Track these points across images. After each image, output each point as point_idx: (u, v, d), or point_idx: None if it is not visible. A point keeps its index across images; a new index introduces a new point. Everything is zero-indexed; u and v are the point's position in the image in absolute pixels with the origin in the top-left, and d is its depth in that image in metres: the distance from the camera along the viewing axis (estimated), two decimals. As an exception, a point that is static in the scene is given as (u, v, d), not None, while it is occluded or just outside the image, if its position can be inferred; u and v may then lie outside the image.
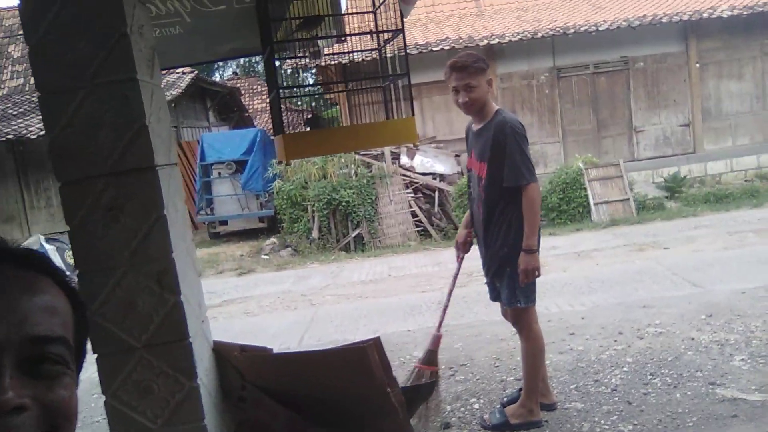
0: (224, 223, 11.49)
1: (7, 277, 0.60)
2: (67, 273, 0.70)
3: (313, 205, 9.15)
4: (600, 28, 10.26)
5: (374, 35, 2.24)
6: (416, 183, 9.38)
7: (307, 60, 2.42)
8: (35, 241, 9.53)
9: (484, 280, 3.15)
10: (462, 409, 3.32)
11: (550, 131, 11.21)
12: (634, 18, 10.40)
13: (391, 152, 9.49)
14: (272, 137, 8.99)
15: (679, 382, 3.29)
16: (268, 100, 2.65)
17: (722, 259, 5.88)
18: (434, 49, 10.16)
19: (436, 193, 9.39)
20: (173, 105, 12.74)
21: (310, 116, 18.22)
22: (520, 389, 3.07)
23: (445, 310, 3.12)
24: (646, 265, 6.02)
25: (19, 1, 1.63)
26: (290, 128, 2.23)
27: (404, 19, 2.23)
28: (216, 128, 17.01)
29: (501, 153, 2.79)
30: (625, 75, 11.16)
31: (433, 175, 9.57)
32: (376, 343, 1.98)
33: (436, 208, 9.37)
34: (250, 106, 21.73)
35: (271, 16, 2.03)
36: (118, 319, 1.73)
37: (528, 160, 2.80)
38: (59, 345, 0.60)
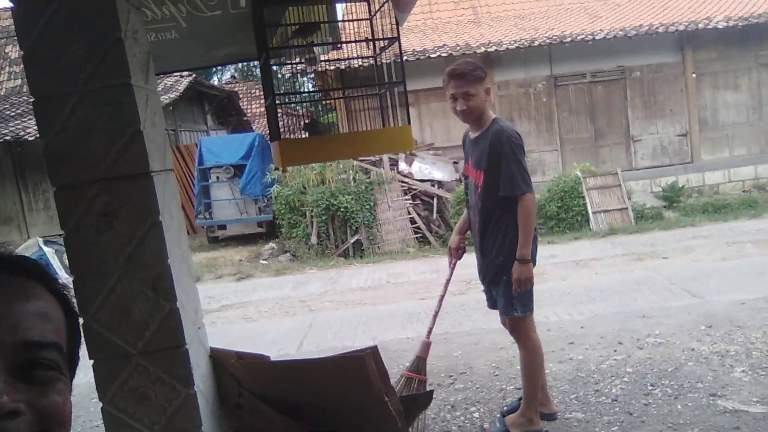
0: (223, 227, 11.45)
1: (0, 284, 0.60)
2: (65, 276, 0.69)
3: (312, 211, 9.12)
4: (597, 37, 10.29)
5: (370, 42, 2.23)
6: (414, 189, 9.37)
7: (304, 65, 2.40)
8: (34, 243, 9.45)
9: (482, 287, 3.13)
10: (461, 417, 3.29)
11: (547, 139, 11.23)
12: (630, 27, 10.44)
13: (390, 158, 9.48)
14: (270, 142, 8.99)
15: (680, 393, 3.26)
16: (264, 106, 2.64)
17: (721, 270, 5.86)
18: (432, 56, 10.19)
19: (435, 199, 9.38)
20: (171, 108, 12.72)
21: (308, 121, 18.25)
22: (520, 398, 3.04)
23: (435, 316, 3.10)
24: (644, 275, 6.00)
25: (12, 4, 1.61)
26: (288, 133, 2.21)
27: (400, 27, 2.22)
28: (214, 132, 17.02)
29: (497, 162, 2.78)
30: (622, 84, 11.19)
31: (432, 181, 9.56)
32: (373, 352, 1.97)
33: (435, 215, 9.35)
34: (249, 110, 21.77)
35: (266, 22, 2.01)
36: (113, 324, 1.72)
37: (524, 170, 2.79)
38: (52, 350, 0.60)
